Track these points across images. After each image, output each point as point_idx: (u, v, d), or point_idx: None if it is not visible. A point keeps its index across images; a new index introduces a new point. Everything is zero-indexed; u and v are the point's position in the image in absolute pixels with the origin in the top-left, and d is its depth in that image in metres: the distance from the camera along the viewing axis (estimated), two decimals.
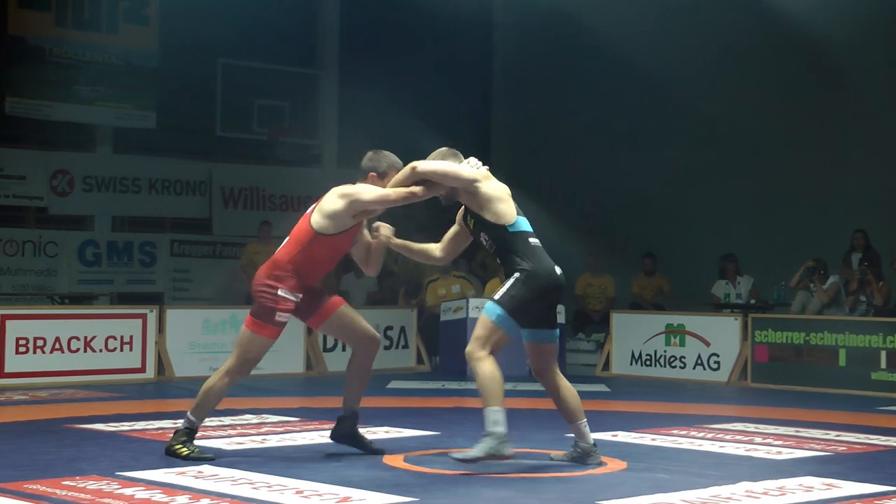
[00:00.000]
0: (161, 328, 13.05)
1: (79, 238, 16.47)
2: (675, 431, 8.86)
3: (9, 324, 12.12)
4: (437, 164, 7.19)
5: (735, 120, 16.94)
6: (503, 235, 6.95)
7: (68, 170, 16.34)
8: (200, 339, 13.29)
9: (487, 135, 20.63)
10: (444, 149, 7.37)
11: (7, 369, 12.01)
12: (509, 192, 7.10)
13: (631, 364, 14.45)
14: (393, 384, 12.81)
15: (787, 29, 16.00)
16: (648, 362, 14.31)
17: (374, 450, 7.45)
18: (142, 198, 16.95)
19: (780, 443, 8.34)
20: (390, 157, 7.44)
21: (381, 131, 18.39)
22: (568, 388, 7.13)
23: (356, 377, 7.50)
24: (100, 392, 11.57)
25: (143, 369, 12.87)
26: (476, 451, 6.70)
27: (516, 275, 6.83)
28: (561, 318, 14.83)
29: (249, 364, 7.34)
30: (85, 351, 12.53)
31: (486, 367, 6.72)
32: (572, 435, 7.19)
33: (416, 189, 7.18)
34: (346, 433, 7.47)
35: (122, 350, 12.75)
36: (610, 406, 11.25)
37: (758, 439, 8.50)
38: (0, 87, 15.42)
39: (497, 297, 6.83)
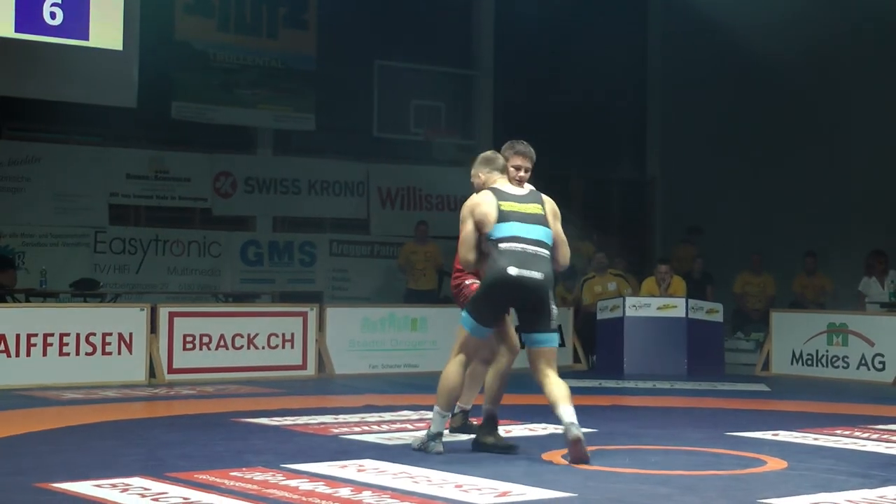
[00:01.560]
0: (321, 326, 13.30)
1: (241, 238, 16.86)
2: (838, 431, 8.68)
3: (176, 321, 12.51)
4: (460, 235, 7.31)
5: (874, 122, 16.56)
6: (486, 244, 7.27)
7: (230, 171, 16.74)
8: (359, 336, 13.51)
9: (643, 135, 20.52)
10: (485, 154, 7.61)
11: (175, 365, 12.41)
12: (495, 205, 7.20)
13: (791, 364, 14.19)
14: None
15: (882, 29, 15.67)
16: (810, 362, 14.03)
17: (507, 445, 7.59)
18: (301, 198, 17.26)
19: None
20: (516, 145, 7.64)
21: (535, 130, 18.50)
22: (556, 383, 7.17)
23: (473, 383, 7.94)
24: (263, 388, 11.85)
25: (304, 366, 13.14)
26: (415, 444, 7.41)
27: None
28: (719, 317, 14.73)
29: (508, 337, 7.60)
30: (248, 348, 12.86)
31: (448, 368, 7.28)
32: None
33: None
34: (458, 426, 8.06)
35: (283, 347, 13.04)
36: (770, 405, 11.11)
37: None
38: (167, 91, 15.87)
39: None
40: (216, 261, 16.57)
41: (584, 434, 6.99)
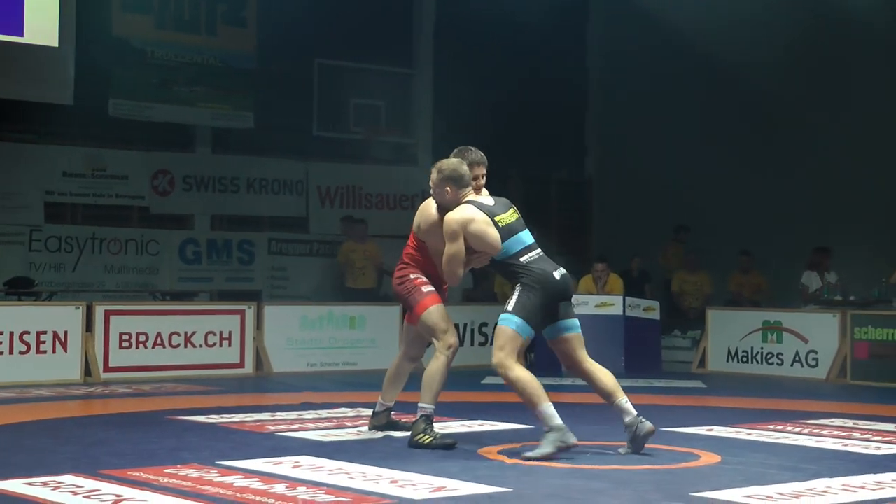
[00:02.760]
0: (259, 324, 13.26)
1: (179, 237, 16.76)
2: (771, 426, 8.79)
3: (112, 319, 12.42)
4: (446, 261, 7.41)
5: (827, 117, 16.74)
6: (495, 264, 7.47)
7: (168, 170, 16.63)
8: (298, 335, 13.49)
9: (582, 130, 20.64)
10: (452, 166, 7.54)
11: (111, 363, 12.31)
12: (490, 222, 7.34)
13: (727, 361, 14.35)
14: (488, 380, 12.84)
15: (872, 23, 15.80)
16: (745, 359, 14.19)
17: (405, 426, 7.89)
18: (240, 197, 17.19)
19: (878, 438, 8.23)
20: (473, 153, 7.71)
21: (475, 129, 18.54)
22: (601, 371, 7.46)
23: (398, 380, 8.05)
24: (200, 386, 11.79)
25: (241, 364, 13.08)
26: (545, 447, 7.01)
27: (518, 287, 7.29)
28: (656, 315, 14.85)
29: (449, 332, 7.66)
30: (185, 346, 12.79)
31: (519, 373, 7.15)
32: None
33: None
34: (385, 424, 8.07)
35: (221, 346, 12.98)
36: (705, 402, 11.21)
37: (856, 435, 8.40)
38: (104, 89, 15.74)
39: (510, 308, 7.24)
40: (154, 259, 16.46)
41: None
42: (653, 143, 18.69)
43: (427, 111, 18.64)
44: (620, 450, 7.38)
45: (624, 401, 7.35)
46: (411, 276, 7.72)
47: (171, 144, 16.92)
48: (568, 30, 19.84)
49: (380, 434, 8.03)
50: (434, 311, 7.62)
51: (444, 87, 18.56)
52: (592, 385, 7.47)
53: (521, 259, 7.33)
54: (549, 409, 7.07)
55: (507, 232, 7.36)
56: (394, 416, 8.17)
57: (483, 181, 7.68)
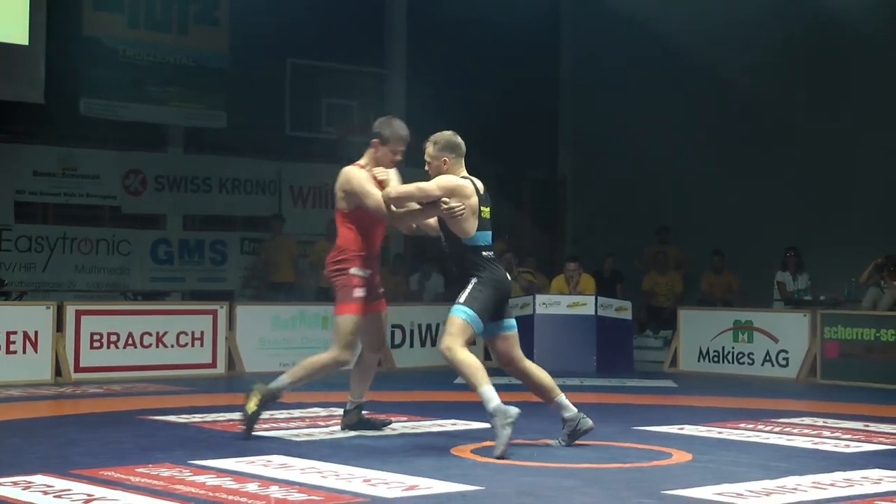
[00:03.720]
0: (231, 324, 13.23)
1: (151, 237, 16.71)
2: (742, 425, 8.84)
3: (84, 319, 12.37)
4: (407, 187, 7.54)
5: (799, 116, 16.84)
6: (458, 247, 7.47)
7: (140, 169, 16.58)
8: (270, 335, 13.47)
9: (555, 132, 20.69)
10: (449, 137, 7.59)
11: (82, 364, 12.27)
12: (475, 211, 7.43)
13: (699, 360, 14.41)
14: (460, 379, 12.84)
15: (846, 26, 15.91)
16: (716, 359, 14.26)
17: (382, 424, 8.09)
18: (212, 197, 17.16)
19: (848, 437, 8.29)
20: (398, 129, 7.79)
21: (449, 129, 18.55)
22: (537, 369, 7.58)
23: (363, 376, 8.06)
24: (172, 386, 11.75)
25: (213, 364, 13.06)
26: (499, 435, 7.05)
27: (474, 280, 7.38)
28: (628, 315, 14.90)
29: (351, 347, 7.73)
30: (157, 346, 12.76)
31: (463, 355, 7.28)
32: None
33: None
34: (357, 423, 8.09)
35: (193, 346, 12.96)
36: (677, 401, 11.26)
37: (826, 433, 8.46)
38: (75, 88, 15.67)
39: (463, 300, 7.37)
40: (125, 259, 16.40)
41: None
42: (627, 143, 18.76)
43: (399, 111, 18.56)
44: (551, 441, 7.55)
45: (563, 398, 7.52)
46: (351, 272, 7.68)
47: (143, 144, 16.86)
48: (542, 29, 19.88)
49: (352, 433, 8.03)
50: (350, 322, 7.66)
51: (416, 87, 18.56)
52: (529, 384, 7.60)
53: (484, 254, 7.44)
54: (489, 391, 7.15)
55: (482, 224, 7.45)
56: (366, 414, 8.17)
57: (401, 158, 7.77)
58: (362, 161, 7.81)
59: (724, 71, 17.37)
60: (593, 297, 14.73)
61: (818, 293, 15.03)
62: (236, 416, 8.45)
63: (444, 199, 7.35)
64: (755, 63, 17.18)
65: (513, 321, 7.61)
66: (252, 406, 7.62)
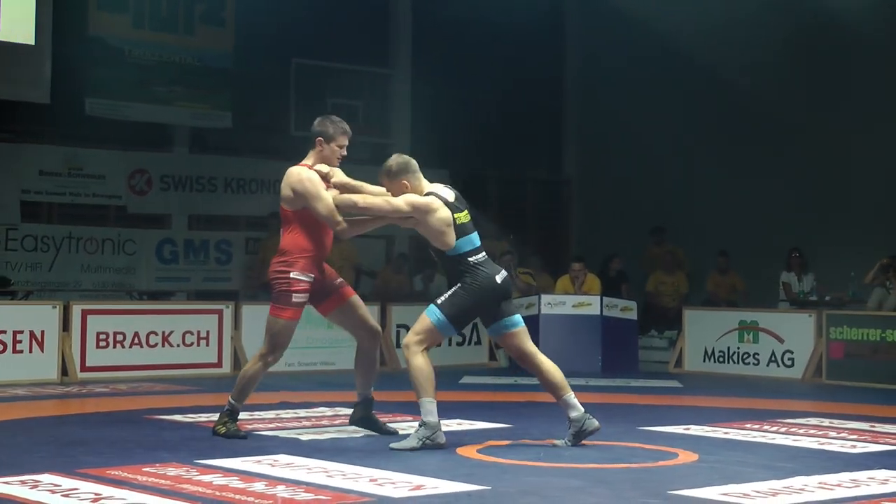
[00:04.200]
0: (237, 324, 13.24)
1: (156, 236, 16.70)
2: (748, 425, 8.84)
3: (90, 319, 12.38)
4: (375, 200, 7.51)
5: (800, 116, 16.84)
6: (443, 257, 7.50)
7: (146, 169, 16.58)
8: None
9: (559, 132, 20.69)
10: (398, 161, 7.57)
11: (88, 363, 12.28)
12: (449, 222, 7.38)
13: (704, 361, 14.40)
14: (466, 379, 12.88)
15: (846, 26, 15.91)
16: (721, 359, 14.25)
17: (387, 431, 7.98)
18: (217, 196, 17.15)
19: (854, 437, 8.29)
20: (339, 123, 7.80)
21: (453, 130, 18.57)
22: (550, 365, 7.57)
23: (363, 367, 8.00)
24: (178, 385, 11.77)
25: (219, 364, 13.07)
26: (411, 440, 7.27)
27: (458, 285, 7.40)
28: (633, 315, 14.90)
29: (280, 348, 7.79)
30: (163, 346, 12.77)
31: (419, 360, 7.32)
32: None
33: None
34: (361, 417, 8.04)
35: (198, 345, 12.97)
36: (682, 401, 11.26)
37: (832, 433, 8.46)
38: (80, 88, 15.68)
39: (440, 302, 7.41)
40: (131, 259, 16.40)
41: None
42: (632, 143, 18.74)
43: (404, 111, 18.64)
44: (557, 441, 7.54)
45: (571, 396, 7.52)
46: (292, 276, 7.62)
47: (148, 144, 16.86)
48: (546, 29, 19.88)
49: (360, 433, 8.03)
50: (283, 327, 7.70)
51: (421, 87, 18.56)
52: (540, 378, 7.61)
53: (470, 259, 7.42)
54: (430, 404, 7.25)
55: (460, 231, 7.42)
56: (376, 414, 8.14)
57: (346, 153, 7.79)
58: (308, 161, 7.79)
59: (726, 70, 17.35)
60: (598, 298, 14.73)
61: (823, 293, 15.01)
62: (242, 415, 8.47)
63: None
64: (756, 63, 17.16)
65: (516, 318, 7.60)
66: (221, 429, 7.75)
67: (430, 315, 7.39)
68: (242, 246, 17.29)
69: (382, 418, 8.30)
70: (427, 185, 7.54)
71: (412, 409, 7.65)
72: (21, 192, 15.74)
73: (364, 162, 18.18)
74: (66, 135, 16.16)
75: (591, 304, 14.63)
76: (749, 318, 14.22)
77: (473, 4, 17.50)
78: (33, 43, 11.57)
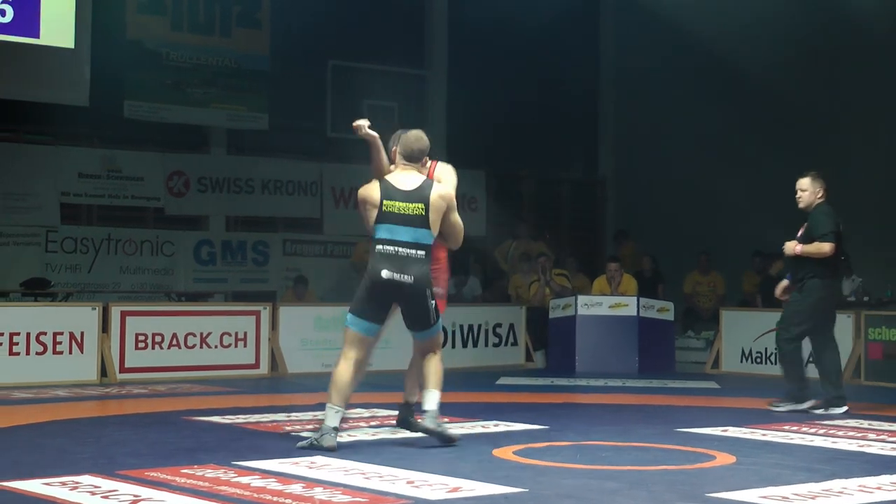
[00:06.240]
0: (274, 325, 13.29)
1: (194, 238, 16.80)
2: (786, 427, 8.79)
3: (128, 320, 12.46)
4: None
5: (842, 117, 16.73)
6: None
7: (184, 171, 16.68)
8: (313, 335, 13.51)
9: (594, 132, 20.64)
10: (411, 134, 7.66)
11: (127, 364, 12.36)
12: (376, 203, 7.37)
13: (741, 361, 14.33)
14: (502, 381, 12.87)
15: (873, 28, 15.81)
16: (759, 359, 14.17)
17: (416, 428, 7.87)
18: (255, 198, 17.22)
19: (894, 439, 8.23)
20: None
21: (488, 131, 18.58)
22: (433, 364, 7.61)
23: (413, 375, 8.09)
24: (216, 387, 11.83)
25: (257, 365, 13.12)
26: (308, 442, 7.36)
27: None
28: (670, 316, 14.86)
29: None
30: (201, 347, 12.83)
31: (338, 367, 7.45)
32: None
33: None
34: (400, 420, 8.09)
35: (236, 346, 13.02)
36: (720, 402, 11.20)
37: (871, 435, 8.41)
38: (119, 90, 15.79)
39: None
40: (169, 260, 16.51)
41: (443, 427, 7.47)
42: (668, 143, 18.67)
43: (440, 112, 18.65)
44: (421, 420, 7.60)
45: (430, 394, 7.56)
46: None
47: (185, 146, 16.97)
48: (581, 29, 19.86)
49: (396, 434, 8.05)
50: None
51: (457, 88, 18.58)
52: (417, 369, 7.73)
53: (378, 247, 7.36)
54: (331, 409, 7.33)
55: (383, 217, 7.35)
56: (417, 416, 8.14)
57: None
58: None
59: (762, 72, 17.25)
60: (635, 298, 14.69)
61: (861, 294, 14.89)
62: (280, 416, 8.50)
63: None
64: (793, 64, 17.05)
65: (420, 334, 7.64)
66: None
67: (347, 322, 7.48)
68: (280, 247, 17.36)
69: (420, 418, 8.29)
70: (399, 170, 7.50)
71: (451, 410, 7.65)
72: (60, 194, 15.87)
73: None
74: (105, 137, 16.30)
75: (627, 305, 14.60)
76: None
77: (508, 6, 17.49)
78: (72, 46, 11.66)
